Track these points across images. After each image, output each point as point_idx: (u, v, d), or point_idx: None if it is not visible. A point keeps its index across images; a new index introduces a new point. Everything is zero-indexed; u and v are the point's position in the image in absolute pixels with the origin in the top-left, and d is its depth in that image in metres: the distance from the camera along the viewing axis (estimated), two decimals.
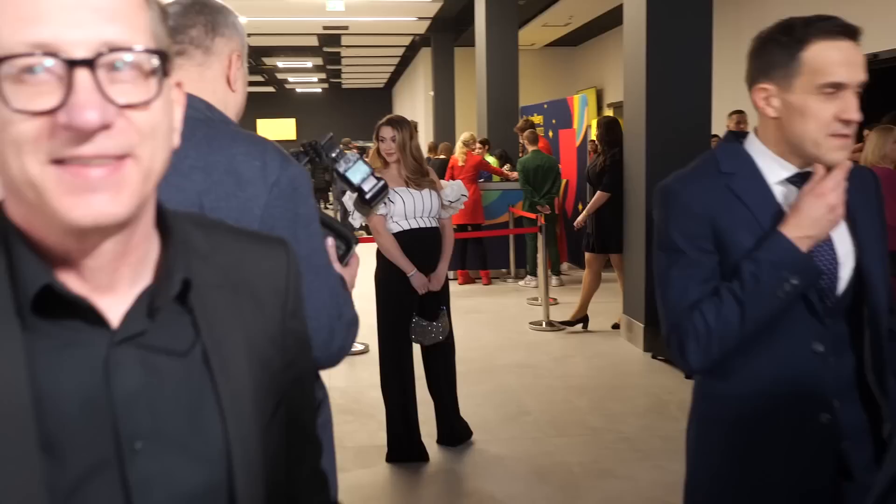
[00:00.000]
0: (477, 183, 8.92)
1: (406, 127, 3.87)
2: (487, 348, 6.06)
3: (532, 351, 5.98)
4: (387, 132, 3.85)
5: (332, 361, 1.39)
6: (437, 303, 3.88)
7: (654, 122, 5.75)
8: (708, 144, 5.97)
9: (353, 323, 1.43)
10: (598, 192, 6.45)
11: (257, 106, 31.21)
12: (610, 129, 6.66)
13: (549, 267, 7.46)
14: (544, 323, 6.75)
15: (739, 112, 7.35)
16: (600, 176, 6.50)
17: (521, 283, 8.96)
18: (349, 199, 3.62)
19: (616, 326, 6.53)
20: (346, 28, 16.64)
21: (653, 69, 5.71)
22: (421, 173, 3.84)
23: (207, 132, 1.33)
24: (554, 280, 8.62)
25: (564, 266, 9.47)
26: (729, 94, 7.31)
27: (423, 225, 3.83)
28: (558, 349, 6.04)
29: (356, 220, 3.72)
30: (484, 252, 8.96)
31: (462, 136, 9.20)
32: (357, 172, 1.70)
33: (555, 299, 7.75)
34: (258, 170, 1.31)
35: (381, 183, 1.70)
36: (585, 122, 9.77)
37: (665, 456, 3.90)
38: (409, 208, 3.79)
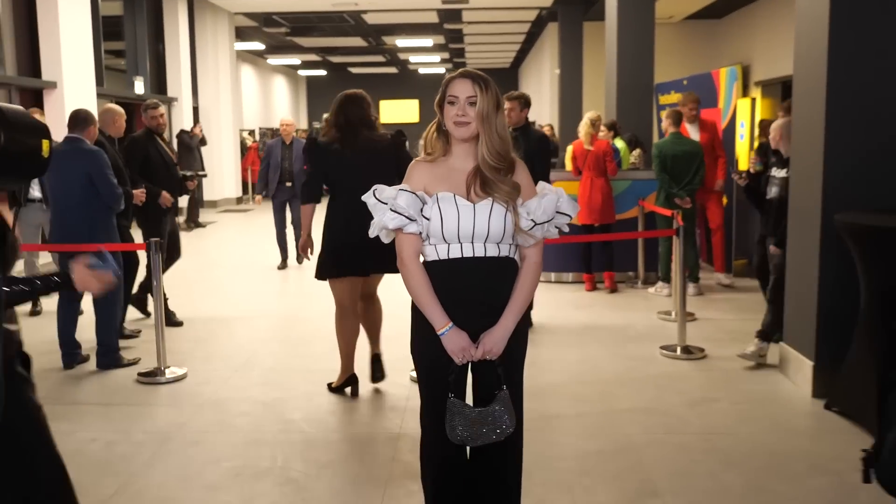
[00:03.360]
0: (606, 176, 7.60)
1: (491, 88, 2.42)
2: (605, 383, 4.89)
3: (663, 389, 4.77)
4: (462, 89, 2.40)
5: None
6: (494, 379, 2.44)
7: (836, 102, 4.39)
8: None
9: None
10: None
11: (380, 87, 30.74)
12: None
13: (686, 273, 6.17)
14: (679, 348, 5.50)
15: None
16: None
17: (652, 290, 7.68)
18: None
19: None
20: (466, 2, 15.57)
21: (836, 31, 4.35)
22: (507, 164, 2.42)
23: None
24: (692, 288, 7.31)
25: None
26: None
27: (479, 253, 2.41)
28: (696, 387, 4.80)
29: (382, 235, 2.48)
30: (611, 253, 7.72)
31: (588, 114, 7.87)
32: None
33: (692, 314, 6.47)
34: None
35: None
36: (733, 101, 8.35)
37: None
38: (449, 225, 2.38)
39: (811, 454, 3.77)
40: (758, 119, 11.05)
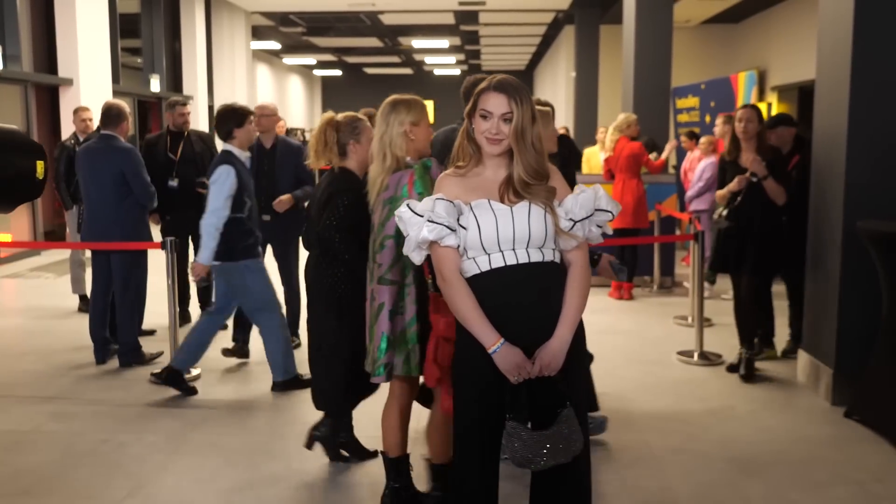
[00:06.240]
0: (640, 177, 7.42)
1: (528, 100, 2.24)
2: (624, 388, 4.84)
3: (681, 395, 4.72)
4: (497, 104, 2.22)
5: None
6: (555, 396, 2.19)
7: (860, 108, 4.33)
8: None
9: None
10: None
11: (395, 88, 30.66)
12: None
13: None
14: (696, 354, 5.45)
15: None
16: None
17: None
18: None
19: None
20: (483, 3, 15.55)
21: (860, 36, 4.29)
22: (540, 177, 2.25)
23: None
24: (706, 291, 7.24)
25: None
26: None
27: (522, 259, 2.23)
28: (715, 394, 4.74)
29: (414, 255, 2.28)
30: (635, 263, 7.50)
31: (618, 119, 7.64)
32: None
33: (709, 320, 6.41)
34: None
35: None
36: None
37: None
38: (487, 231, 2.21)
39: (832, 463, 3.71)
40: None
